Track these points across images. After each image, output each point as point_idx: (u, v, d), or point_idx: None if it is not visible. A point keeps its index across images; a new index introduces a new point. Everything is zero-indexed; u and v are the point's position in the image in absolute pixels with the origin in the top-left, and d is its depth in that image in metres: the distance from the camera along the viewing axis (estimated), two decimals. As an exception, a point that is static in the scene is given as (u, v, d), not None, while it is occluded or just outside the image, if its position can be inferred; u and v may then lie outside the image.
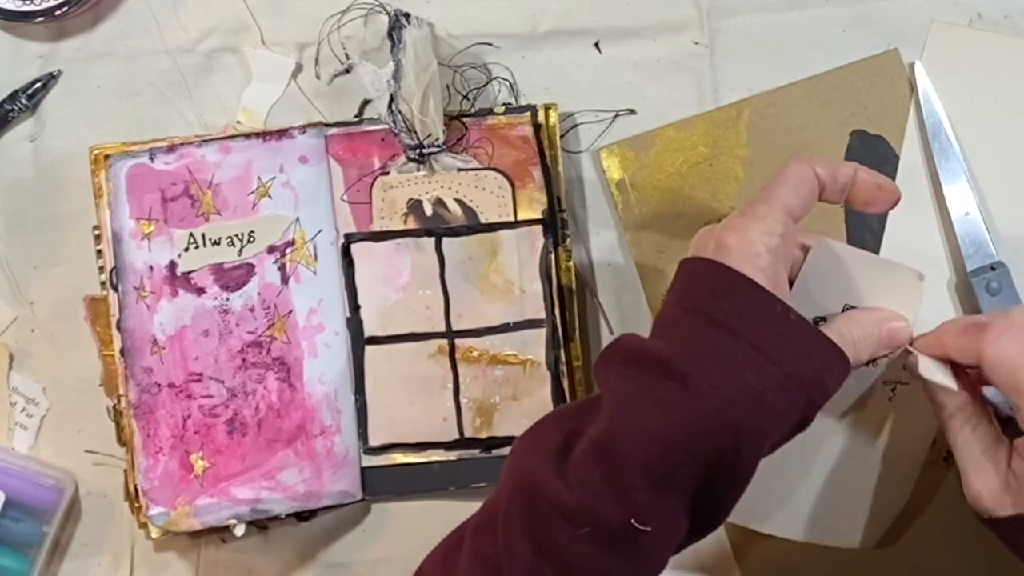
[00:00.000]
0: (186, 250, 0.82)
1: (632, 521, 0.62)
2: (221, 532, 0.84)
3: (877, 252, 0.83)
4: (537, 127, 0.83)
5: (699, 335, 0.64)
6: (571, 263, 0.83)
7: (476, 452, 0.83)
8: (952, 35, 0.85)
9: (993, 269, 0.81)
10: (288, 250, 0.83)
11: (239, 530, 0.82)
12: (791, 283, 0.70)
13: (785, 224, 0.67)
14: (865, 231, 0.83)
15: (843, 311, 0.71)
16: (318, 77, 0.86)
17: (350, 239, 0.84)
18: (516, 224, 0.83)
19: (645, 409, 0.63)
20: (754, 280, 0.65)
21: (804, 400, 0.64)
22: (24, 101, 0.85)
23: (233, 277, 0.83)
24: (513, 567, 0.63)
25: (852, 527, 0.79)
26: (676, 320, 0.66)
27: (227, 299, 0.83)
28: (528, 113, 0.83)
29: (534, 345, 0.83)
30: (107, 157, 0.82)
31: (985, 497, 0.69)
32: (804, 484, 0.78)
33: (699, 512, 0.65)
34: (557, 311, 0.82)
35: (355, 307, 0.84)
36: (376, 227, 0.84)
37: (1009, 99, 0.84)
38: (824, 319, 0.71)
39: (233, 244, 0.83)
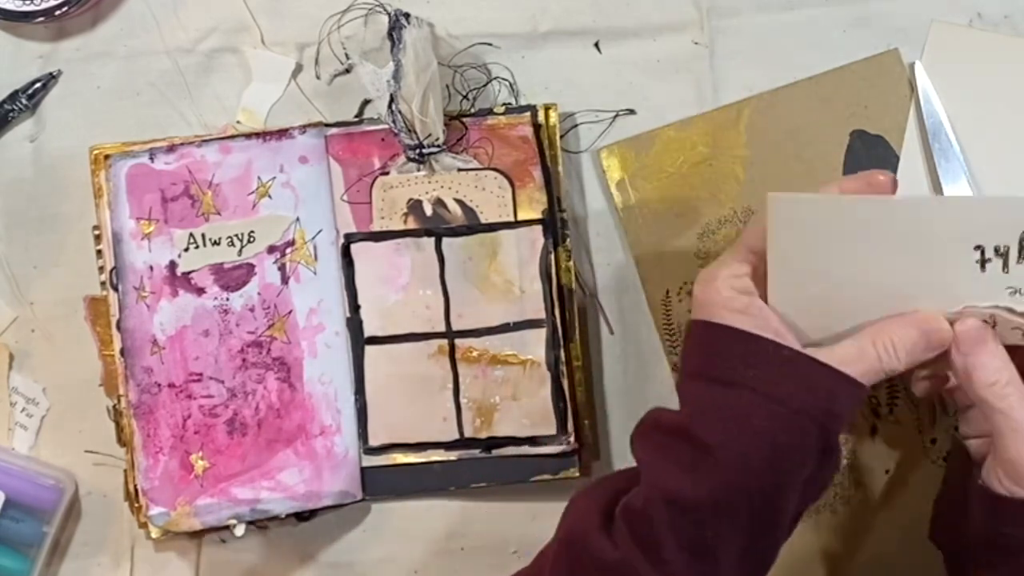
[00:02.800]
0: (186, 250, 0.82)
1: None
2: (221, 532, 0.84)
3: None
4: (537, 127, 0.83)
5: (702, 396, 0.66)
6: (571, 263, 0.83)
7: (476, 452, 0.83)
8: (952, 35, 0.85)
9: (993, 269, 0.81)
10: (288, 250, 0.83)
11: (239, 530, 0.82)
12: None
13: (751, 261, 0.67)
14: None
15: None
16: (318, 77, 0.86)
17: (350, 239, 0.84)
18: (516, 224, 0.83)
19: (666, 472, 0.65)
20: (733, 327, 0.65)
21: (816, 431, 0.64)
22: (24, 101, 0.85)
23: (233, 277, 0.83)
24: None
25: None
26: (682, 388, 0.68)
27: (227, 299, 0.83)
28: (528, 113, 0.83)
29: (534, 345, 0.83)
30: (107, 157, 0.82)
31: None
32: None
33: (749, 563, 0.65)
34: (557, 311, 0.82)
35: (355, 307, 0.84)
36: (376, 227, 0.84)
37: (1009, 99, 0.84)
38: None
39: (233, 244, 0.83)
